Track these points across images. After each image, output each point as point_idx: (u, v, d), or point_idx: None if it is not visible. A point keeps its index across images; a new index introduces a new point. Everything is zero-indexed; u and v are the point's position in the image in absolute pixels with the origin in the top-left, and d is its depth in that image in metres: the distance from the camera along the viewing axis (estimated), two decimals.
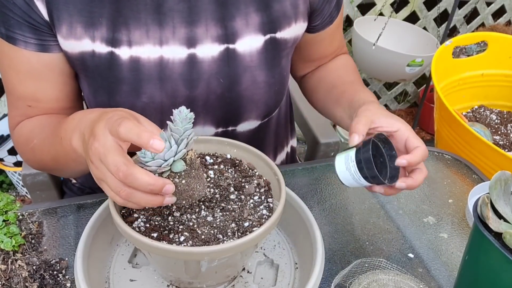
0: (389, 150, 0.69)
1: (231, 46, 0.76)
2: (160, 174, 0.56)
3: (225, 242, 0.58)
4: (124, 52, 0.73)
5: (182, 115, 0.55)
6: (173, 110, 0.55)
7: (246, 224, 0.61)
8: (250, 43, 0.77)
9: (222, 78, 0.77)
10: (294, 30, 0.81)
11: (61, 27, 0.72)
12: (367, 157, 0.66)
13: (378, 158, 0.69)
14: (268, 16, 0.77)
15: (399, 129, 0.69)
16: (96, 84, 0.77)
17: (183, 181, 0.57)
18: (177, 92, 0.77)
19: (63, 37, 0.73)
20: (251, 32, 0.77)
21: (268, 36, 0.78)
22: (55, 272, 0.70)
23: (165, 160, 0.55)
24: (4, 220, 0.70)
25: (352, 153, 0.68)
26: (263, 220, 0.61)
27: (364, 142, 0.68)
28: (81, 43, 0.73)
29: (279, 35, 0.79)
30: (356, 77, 0.93)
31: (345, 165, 0.69)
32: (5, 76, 0.78)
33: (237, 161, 0.70)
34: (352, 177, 0.68)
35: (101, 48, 0.73)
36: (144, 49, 0.74)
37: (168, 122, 0.56)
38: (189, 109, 0.56)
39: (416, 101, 2.82)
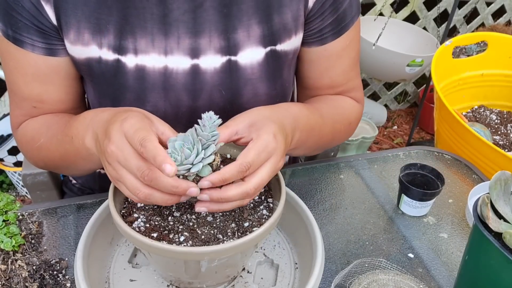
0: (418, 169, 0.87)
1: (233, 58, 0.76)
2: (185, 177, 0.57)
3: (225, 242, 0.58)
4: (130, 60, 0.73)
5: (211, 121, 0.56)
6: (202, 114, 0.56)
7: (246, 224, 0.61)
8: (251, 55, 0.76)
9: (224, 90, 0.77)
10: (294, 42, 0.79)
11: (69, 32, 0.72)
12: (415, 193, 0.83)
13: (418, 180, 0.87)
14: (269, 28, 0.76)
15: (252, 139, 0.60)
16: (101, 90, 0.77)
17: None
18: (181, 102, 0.77)
19: (71, 42, 0.73)
20: (252, 44, 0.76)
21: (268, 48, 0.77)
22: (55, 272, 0.70)
23: (193, 165, 0.55)
24: (4, 220, 0.71)
25: (405, 198, 0.85)
26: (263, 220, 0.61)
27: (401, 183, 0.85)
28: (88, 49, 0.73)
29: (279, 47, 0.78)
30: (328, 108, 0.83)
31: (411, 208, 0.85)
32: (10, 77, 0.78)
33: None
34: (419, 210, 0.85)
35: (108, 55, 0.73)
36: (150, 58, 0.74)
37: (196, 126, 0.56)
38: (217, 116, 0.56)
39: (416, 101, 2.82)
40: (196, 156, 0.55)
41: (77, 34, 0.72)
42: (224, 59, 0.76)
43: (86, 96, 0.86)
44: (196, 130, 0.56)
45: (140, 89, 0.75)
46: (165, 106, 0.77)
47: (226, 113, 0.79)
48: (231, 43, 0.75)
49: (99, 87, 0.77)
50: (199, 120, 0.56)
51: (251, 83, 0.78)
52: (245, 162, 0.56)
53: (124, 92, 0.75)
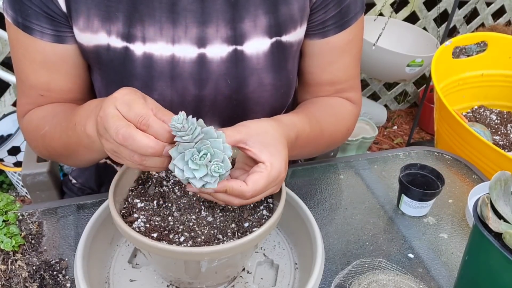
0: (418, 169, 0.87)
1: (239, 47, 0.76)
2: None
3: (225, 242, 0.58)
4: (138, 48, 0.74)
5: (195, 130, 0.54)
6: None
7: (246, 224, 0.61)
8: (257, 45, 0.77)
9: (229, 79, 0.77)
10: (298, 33, 0.80)
11: (78, 19, 0.73)
12: (415, 193, 0.83)
13: (418, 180, 0.87)
14: (276, 19, 0.76)
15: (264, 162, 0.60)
16: (109, 78, 0.77)
17: None
18: (187, 91, 0.77)
19: (80, 30, 0.74)
20: (259, 35, 0.76)
21: (274, 39, 0.77)
22: (55, 272, 0.70)
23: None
24: (4, 220, 0.70)
25: (405, 198, 0.85)
26: (263, 221, 0.61)
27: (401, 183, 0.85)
28: (97, 36, 0.74)
29: (284, 38, 0.78)
30: (323, 117, 0.82)
31: (411, 208, 0.86)
32: (18, 64, 0.79)
33: None
34: (419, 210, 0.85)
35: (116, 42, 0.74)
36: (157, 46, 0.74)
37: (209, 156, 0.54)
38: (190, 116, 0.54)
39: (416, 101, 2.82)
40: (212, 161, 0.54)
41: (87, 21, 0.73)
42: (230, 48, 0.76)
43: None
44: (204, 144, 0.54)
45: (147, 77, 0.76)
46: (172, 95, 0.77)
47: (231, 102, 0.80)
48: (238, 33, 0.76)
49: (106, 75, 0.77)
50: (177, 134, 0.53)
51: (257, 73, 0.78)
52: (253, 190, 0.57)
53: (132, 80, 0.76)
